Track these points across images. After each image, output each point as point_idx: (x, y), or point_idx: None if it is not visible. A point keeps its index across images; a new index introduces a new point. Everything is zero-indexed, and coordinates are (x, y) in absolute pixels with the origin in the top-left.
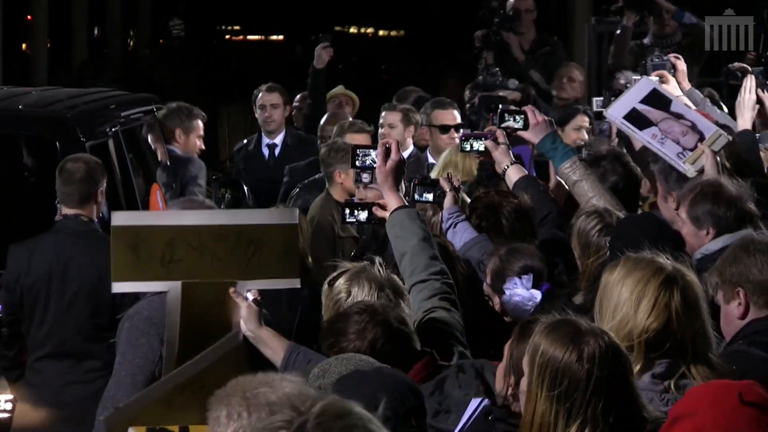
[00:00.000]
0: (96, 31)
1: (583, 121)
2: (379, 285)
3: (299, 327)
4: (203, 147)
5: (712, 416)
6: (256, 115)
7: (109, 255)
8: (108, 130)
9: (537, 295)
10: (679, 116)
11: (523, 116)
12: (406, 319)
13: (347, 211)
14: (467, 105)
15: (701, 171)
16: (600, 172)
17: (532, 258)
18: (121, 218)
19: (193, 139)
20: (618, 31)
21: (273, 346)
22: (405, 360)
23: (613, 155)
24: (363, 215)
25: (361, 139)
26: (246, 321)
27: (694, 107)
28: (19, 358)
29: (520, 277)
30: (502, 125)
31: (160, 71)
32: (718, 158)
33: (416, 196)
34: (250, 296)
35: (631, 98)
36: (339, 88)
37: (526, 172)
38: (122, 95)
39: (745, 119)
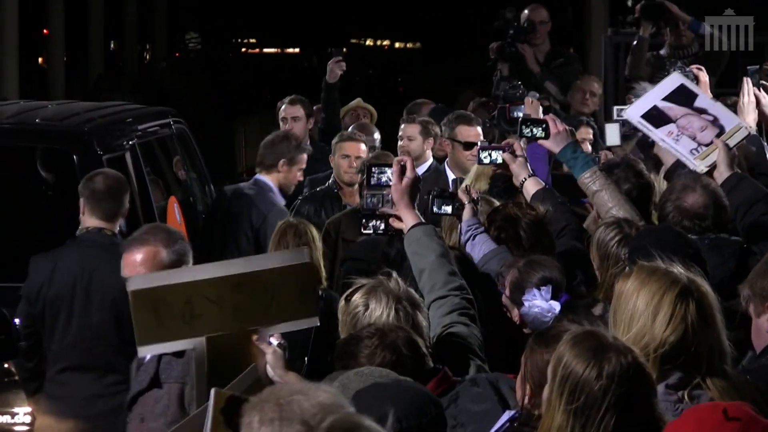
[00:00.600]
0: (112, 45)
1: (587, 133)
2: (396, 298)
3: (314, 341)
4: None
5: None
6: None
7: None
8: (125, 143)
9: (556, 306)
10: (702, 111)
11: (544, 125)
12: (417, 342)
13: (364, 221)
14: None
15: (713, 167)
16: (613, 180)
17: (551, 269)
18: (138, 282)
19: (295, 171)
20: (635, 42)
21: None
22: (416, 379)
23: (627, 163)
24: (380, 226)
25: (350, 147)
26: (273, 367)
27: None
28: (38, 369)
29: (539, 289)
30: (523, 134)
31: (176, 84)
32: (735, 152)
33: (434, 209)
34: (274, 341)
35: (654, 96)
36: (356, 101)
37: (544, 185)
38: (138, 108)
39: (748, 122)
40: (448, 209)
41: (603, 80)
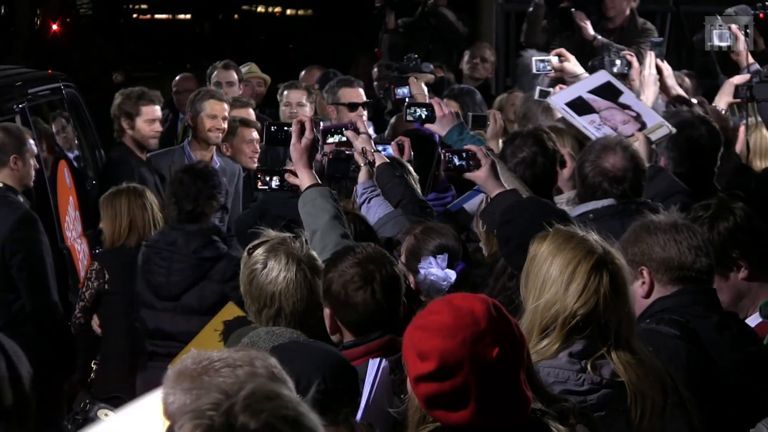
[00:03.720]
0: (3, 9)
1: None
2: (297, 260)
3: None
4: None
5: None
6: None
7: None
8: (15, 106)
9: (452, 274)
10: (625, 107)
11: (429, 109)
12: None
13: (260, 176)
14: (375, 83)
15: None
16: (511, 149)
17: (448, 237)
18: None
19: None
20: (530, 9)
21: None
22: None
23: (529, 132)
24: (275, 182)
25: (244, 113)
26: None
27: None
28: None
29: (435, 257)
30: (409, 118)
31: (68, 49)
32: (654, 147)
33: (330, 171)
34: None
35: (580, 87)
36: (249, 68)
37: (386, 160)
38: (29, 72)
39: (647, 95)
40: (344, 171)
41: (494, 48)
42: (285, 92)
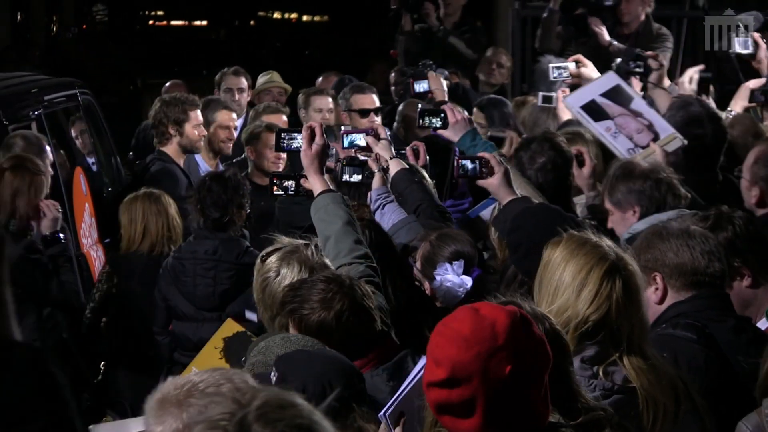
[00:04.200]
0: (19, 17)
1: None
2: (310, 268)
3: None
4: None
5: (484, 393)
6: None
7: None
8: (31, 113)
9: (468, 281)
10: (637, 114)
11: (442, 115)
12: (372, 297)
13: (275, 182)
14: (392, 87)
15: None
16: (528, 154)
17: (463, 244)
18: None
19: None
20: (545, 15)
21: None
22: (368, 338)
23: (543, 137)
24: (291, 187)
25: (276, 119)
26: None
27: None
28: None
29: (451, 263)
30: (422, 125)
31: (83, 56)
32: (671, 159)
33: (345, 177)
34: None
35: (592, 90)
36: (269, 78)
37: (406, 166)
38: (45, 79)
39: (659, 103)
40: (358, 177)
41: (510, 54)
42: (312, 98)
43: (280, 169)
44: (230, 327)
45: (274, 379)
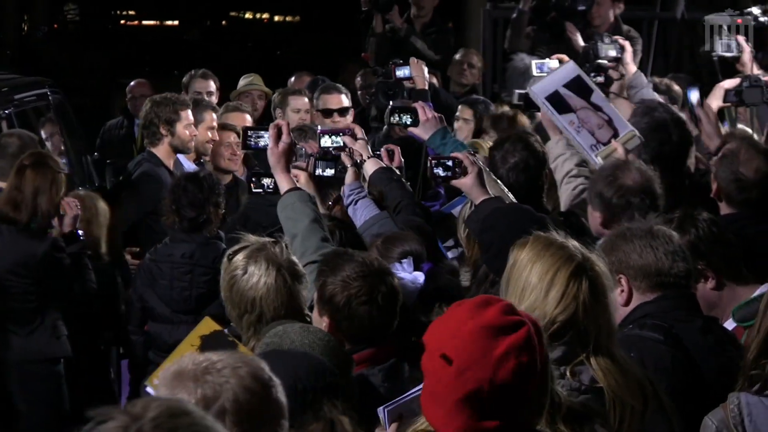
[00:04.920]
0: None
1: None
2: (276, 266)
3: None
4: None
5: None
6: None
7: None
8: (1, 112)
9: (420, 276)
10: (597, 108)
11: (412, 113)
12: (395, 294)
13: (254, 180)
14: (359, 91)
15: None
16: (501, 154)
17: (409, 242)
18: None
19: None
20: (514, 15)
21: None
22: (371, 334)
23: (517, 137)
24: (270, 185)
25: (240, 119)
26: None
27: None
28: None
29: (400, 263)
30: (393, 122)
31: (55, 55)
32: (631, 157)
33: (318, 171)
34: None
35: (555, 80)
36: (253, 79)
37: (383, 165)
38: (15, 78)
39: (552, 134)
40: (331, 172)
41: (482, 54)
42: (290, 98)
43: (237, 167)
44: (207, 325)
45: None
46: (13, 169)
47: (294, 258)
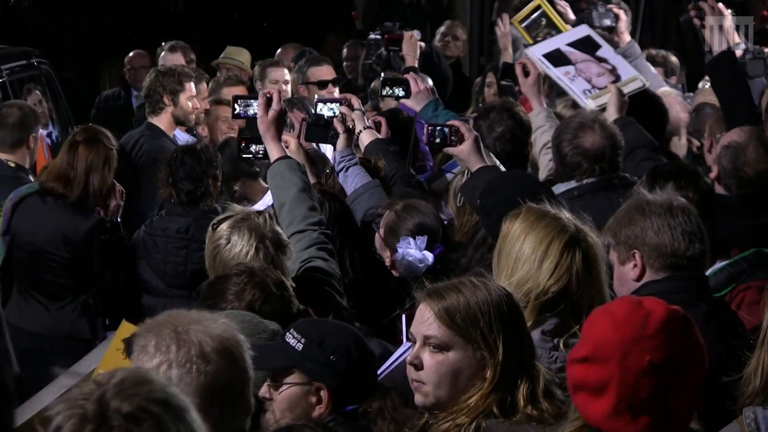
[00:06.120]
0: None
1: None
2: (260, 236)
3: None
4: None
5: (618, 377)
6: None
7: None
8: None
9: (429, 257)
10: (602, 60)
11: (404, 85)
12: (284, 282)
13: (243, 145)
14: (344, 62)
15: (603, 109)
16: (487, 123)
17: (429, 217)
18: None
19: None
20: None
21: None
22: (283, 320)
23: (503, 106)
24: (261, 150)
25: (239, 91)
26: None
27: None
28: None
29: (414, 237)
30: (384, 94)
31: (41, 26)
32: (626, 99)
33: (309, 137)
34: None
35: (559, 40)
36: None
37: (378, 136)
38: (2, 48)
39: (534, 104)
40: (323, 137)
41: (469, 26)
42: (268, 70)
43: None
44: (127, 328)
45: (301, 346)
46: (65, 144)
47: (278, 228)
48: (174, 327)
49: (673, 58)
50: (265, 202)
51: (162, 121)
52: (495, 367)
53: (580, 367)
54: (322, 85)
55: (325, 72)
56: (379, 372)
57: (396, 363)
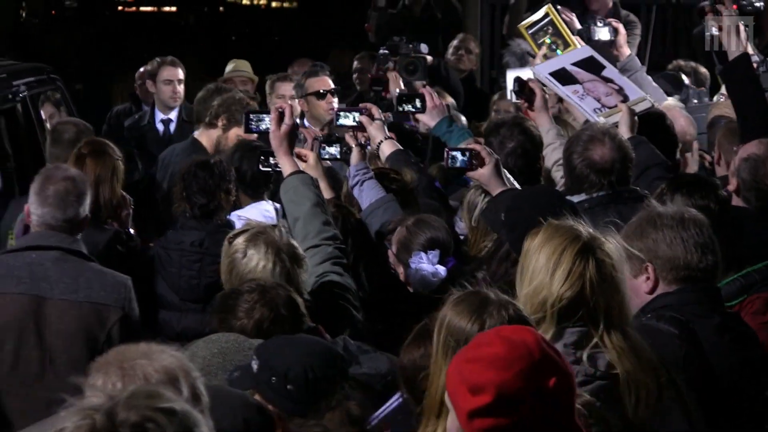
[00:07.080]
0: None
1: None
2: (276, 249)
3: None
4: None
5: None
6: (152, 89)
7: None
8: (11, 97)
9: (442, 270)
10: (608, 80)
11: (420, 99)
12: (296, 301)
13: (262, 159)
14: (354, 74)
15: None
16: (498, 139)
17: (440, 231)
18: None
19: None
20: (512, 1)
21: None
22: None
23: (514, 121)
24: (278, 165)
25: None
26: None
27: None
28: None
29: (426, 252)
30: (400, 109)
31: (52, 42)
32: (636, 119)
33: (320, 152)
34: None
35: (563, 60)
36: (236, 66)
37: (399, 147)
38: (13, 65)
39: (543, 123)
40: (335, 152)
41: (479, 40)
42: (276, 84)
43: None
44: None
45: (255, 367)
46: (71, 157)
47: (294, 242)
48: (120, 363)
49: (703, 69)
50: (259, 209)
51: (208, 138)
52: None
53: (486, 418)
54: (321, 95)
55: (323, 82)
56: (371, 418)
57: (385, 413)
